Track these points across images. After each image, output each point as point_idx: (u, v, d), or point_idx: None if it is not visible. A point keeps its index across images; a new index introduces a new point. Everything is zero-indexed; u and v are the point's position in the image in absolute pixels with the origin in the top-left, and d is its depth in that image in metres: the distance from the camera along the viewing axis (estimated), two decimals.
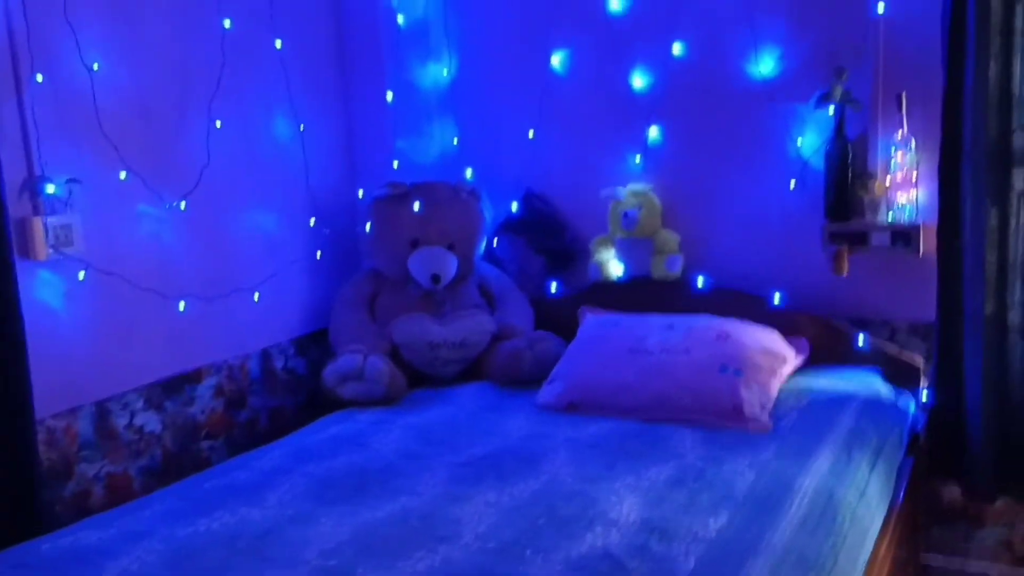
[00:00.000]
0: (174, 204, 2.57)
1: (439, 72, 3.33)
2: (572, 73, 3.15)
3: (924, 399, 2.70)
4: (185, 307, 2.61)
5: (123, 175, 2.41)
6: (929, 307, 2.67)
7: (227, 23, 2.68)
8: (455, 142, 3.35)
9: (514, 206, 3.24)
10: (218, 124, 2.68)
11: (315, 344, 3.12)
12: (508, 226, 3.28)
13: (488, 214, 3.17)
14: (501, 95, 3.26)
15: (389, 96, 3.23)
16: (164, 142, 2.55)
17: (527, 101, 3.20)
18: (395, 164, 3.22)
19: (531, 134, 3.20)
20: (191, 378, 2.68)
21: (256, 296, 2.86)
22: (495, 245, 3.28)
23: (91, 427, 2.39)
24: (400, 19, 3.24)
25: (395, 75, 3.24)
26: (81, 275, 2.34)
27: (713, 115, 2.97)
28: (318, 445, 2.44)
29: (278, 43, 2.88)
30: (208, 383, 2.73)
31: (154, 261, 2.53)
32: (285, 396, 3.03)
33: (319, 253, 3.10)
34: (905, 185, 2.70)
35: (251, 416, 2.89)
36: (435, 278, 3.00)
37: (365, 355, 2.80)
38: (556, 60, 3.15)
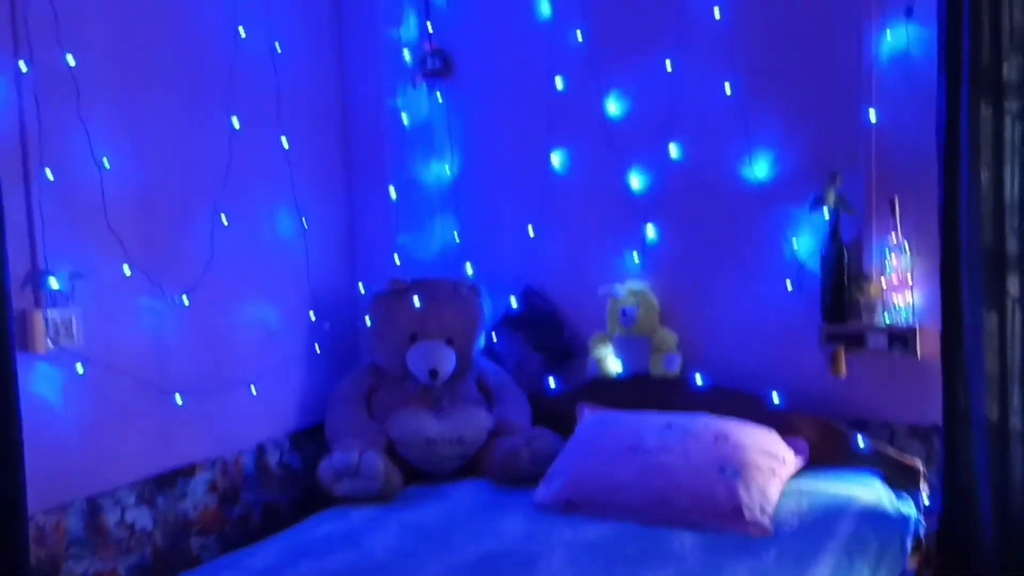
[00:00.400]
0: (176, 298, 2.59)
1: (442, 170, 3.40)
2: (571, 172, 3.22)
3: (926, 503, 2.67)
4: (182, 401, 2.60)
5: (127, 269, 2.44)
6: (928, 409, 2.66)
7: (235, 122, 2.75)
8: (456, 238, 3.39)
9: (513, 302, 3.27)
10: (224, 220, 2.72)
11: (311, 439, 3.10)
12: (507, 322, 3.29)
13: (488, 310, 3.19)
14: (502, 192, 3.32)
15: (392, 192, 3.29)
16: (169, 237, 2.59)
17: (527, 199, 3.26)
18: (396, 259, 3.26)
19: (531, 231, 3.25)
20: (185, 473, 2.65)
21: (253, 389, 2.85)
22: (494, 340, 3.29)
23: (81, 523, 2.36)
24: (405, 119, 3.33)
25: (398, 172, 3.31)
26: (79, 368, 2.34)
27: (709, 215, 3.02)
28: (311, 543, 2.40)
29: (284, 142, 2.95)
30: (202, 478, 2.71)
31: (153, 355, 2.54)
32: (279, 492, 2.99)
33: (318, 347, 3.10)
34: (901, 287, 2.72)
35: (244, 512, 2.85)
36: (433, 373, 2.99)
37: (361, 451, 2.78)
38: (556, 160, 3.21)
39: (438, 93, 3.37)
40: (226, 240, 2.73)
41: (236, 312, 2.81)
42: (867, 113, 2.74)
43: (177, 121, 2.61)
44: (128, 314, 2.48)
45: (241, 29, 2.78)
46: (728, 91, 2.93)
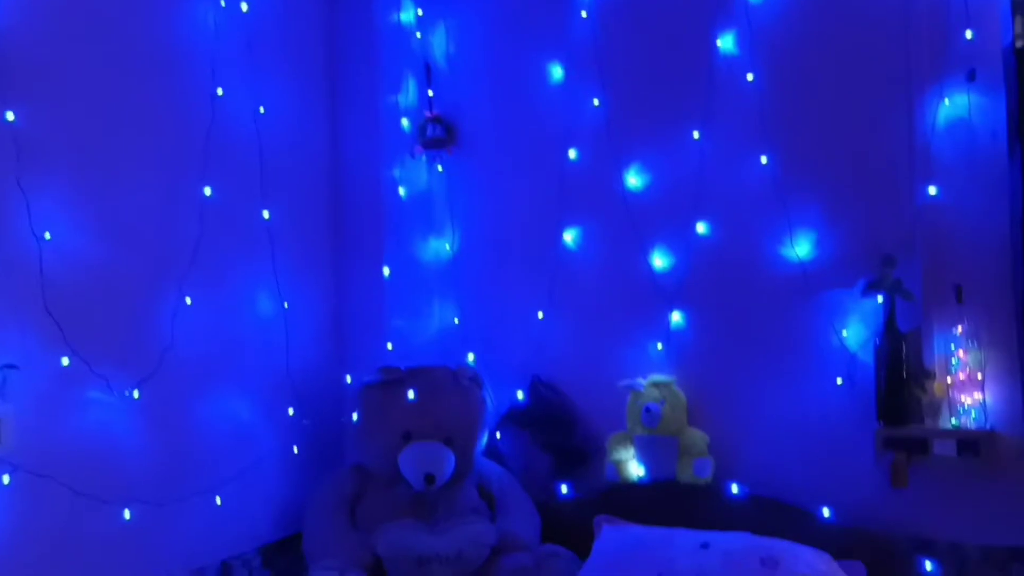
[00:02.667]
0: (126, 393, 2.22)
1: (441, 247, 3.09)
2: (586, 251, 2.91)
3: None
4: (131, 515, 2.20)
5: (65, 361, 2.07)
6: (1005, 528, 2.32)
7: (207, 191, 2.43)
8: (456, 322, 3.06)
9: (520, 395, 2.92)
10: (188, 301, 2.37)
11: (285, 553, 2.69)
12: (513, 418, 2.94)
13: (491, 404, 2.84)
14: (508, 273, 3.02)
15: (386, 272, 2.97)
16: (121, 322, 2.24)
17: (536, 280, 2.95)
18: (389, 346, 2.92)
19: (540, 316, 2.93)
20: None
21: (218, 499, 2.45)
22: (498, 439, 2.92)
23: None
24: (402, 191, 3.04)
25: (393, 249, 3.02)
26: (6, 479, 1.95)
27: (743, 300, 2.70)
28: None
29: (265, 214, 2.62)
30: None
31: (97, 460, 2.16)
32: None
33: (296, 448, 2.71)
34: (969, 386, 2.38)
35: None
36: (429, 478, 2.62)
37: (342, 572, 2.41)
38: (569, 237, 2.91)
39: (439, 164, 3.09)
40: (190, 324, 2.38)
41: (199, 408, 2.44)
42: (924, 189, 2.44)
43: (138, 189, 2.28)
44: (68, 412, 2.11)
45: (219, 90, 2.47)
46: (763, 162, 2.63)
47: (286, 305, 2.69)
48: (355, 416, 2.74)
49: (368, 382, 2.74)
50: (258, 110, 2.61)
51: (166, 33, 2.38)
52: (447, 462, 2.65)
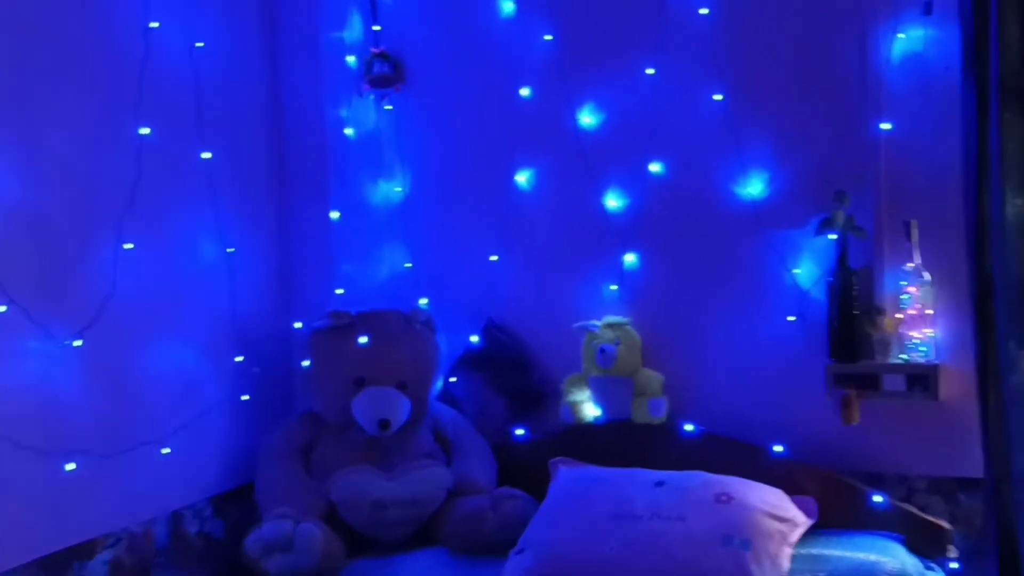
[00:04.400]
0: (67, 342, 2.13)
1: (391, 190, 3.01)
2: (539, 192, 2.85)
3: (957, 570, 2.32)
4: (75, 467, 2.13)
5: (2, 308, 1.97)
6: (952, 460, 2.39)
7: (145, 130, 2.31)
8: (408, 266, 2.99)
9: (474, 339, 2.88)
10: (128, 246, 2.27)
11: (237, 503, 2.65)
12: (467, 361, 2.90)
13: (444, 348, 2.80)
14: (460, 215, 2.95)
15: (334, 215, 2.89)
16: (59, 268, 2.13)
17: (489, 222, 2.89)
18: (339, 291, 2.85)
19: (493, 259, 2.87)
20: (81, 552, 2.18)
21: (166, 450, 2.39)
22: (452, 383, 2.89)
23: None
24: (349, 132, 2.94)
25: (341, 193, 2.92)
26: None
27: (697, 240, 2.68)
28: None
29: (206, 155, 2.51)
30: (102, 557, 2.24)
31: (37, 411, 2.07)
32: (200, 568, 2.53)
33: (245, 396, 2.65)
34: (919, 322, 2.41)
35: None
36: (384, 424, 2.58)
37: (296, 520, 2.38)
38: (522, 178, 2.85)
39: (386, 103, 2.98)
40: (131, 270, 2.28)
41: (143, 356, 2.35)
42: (877, 124, 2.43)
43: (71, 130, 2.16)
44: (6, 361, 2.01)
45: (154, 23, 2.34)
46: (717, 99, 2.59)
47: (230, 251, 2.60)
48: (306, 362, 2.68)
49: (318, 327, 2.67)
50: (194, 45, 2.48)
51: None
52: (401, 407, 2.62)
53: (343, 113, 2.92)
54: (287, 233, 2.89)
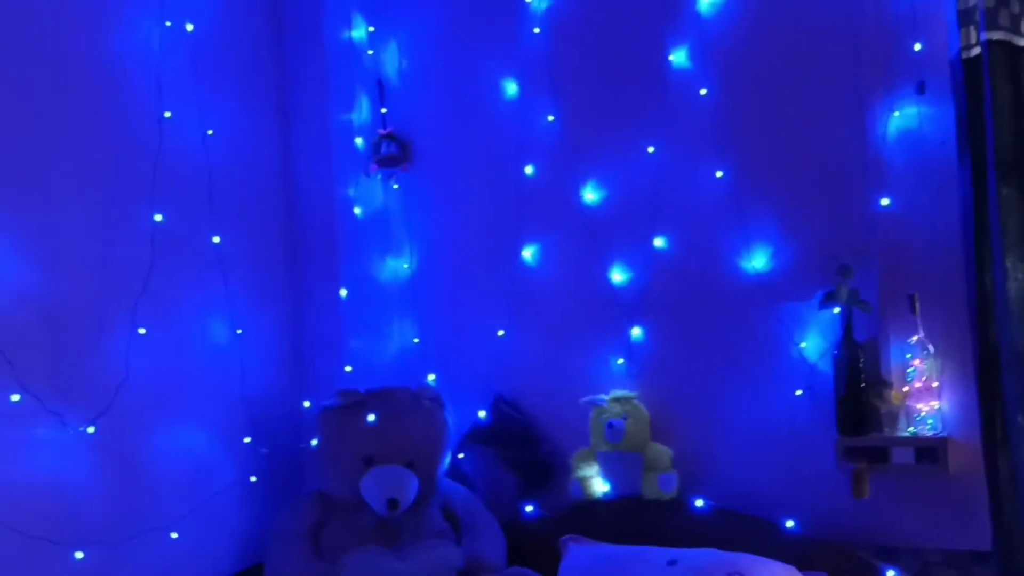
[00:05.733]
0: (80, 429, 2.15)
1: (399, 266, 3.05)
2: (545, 267, 2.89)
3: None
4: (83, 556, 2.13)
5: (15, 397, 1.99)
6: (966, 533, 2.33)
7: (158, 217, 2.36)
8: (416, 342, 3.01)
9: (482, 414, 2.88)
10: (142, 331, 2.30)
11: None
12: (475, 437, 2.90)
13: (453, 424, 2.80)
14: (467, 291, 2.98)
15: (343, 293, 2.91)
16: (73, 355, 2.17)
17: (496, 297, 2.91)
18: (348, 369, 2.86)
19: (500, 333, 2.89)
20: None
21: (174, 535, 2.38)
22: (460, 459, 2.88)
23: None
24: (358, 211, 2.99)
25: (350, 270, 2.97)
26: None
27: (703, 313, 2.68)
28: None
29: (216, 239, 2.56)
30: None
31: (48, 500, 2.08)
32: None
33: (254, 478, 2.65)
34: (926, 395, 2.39)
35: None
36: (392, 503, 2.57)
37: None
38: (527, 253, 2.89)
39: (394, 182, 3.05)
40: (144, 355, 2.31)
41: (154, 441, 2.38)
42: (877, 199, 2.45)
43: (85, 218, 2.22)
44: (17, 450, 2.03)
45: (167, 112, 2.41)
46: (719, 175, 2.63)
47: (239, 331, 2.62)
48: (315, 442, 2.67)
49: (327, 406, 2.68)
50: (206, 132, 2.54)
51: (109, 55, 2.32)
52: (410, 486, 2.61)
53: (351, 192, 2.98)
54: (298, 312, 2.93)
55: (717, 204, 2.65)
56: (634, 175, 2.75)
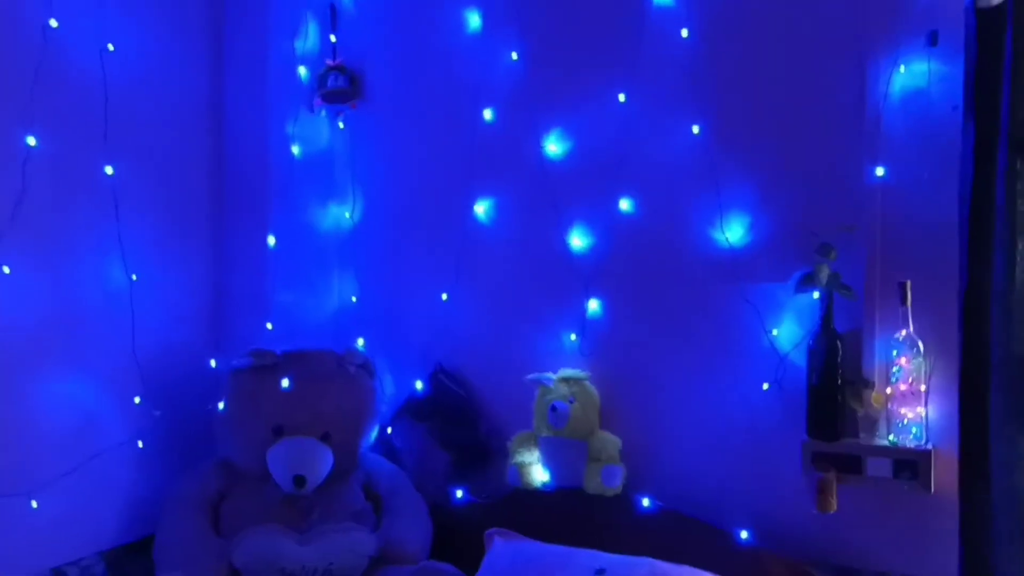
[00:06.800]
0: None
1: (341, 215, 2.75)
2: (498, 225, 2.60)
3: None
4: None
5: None
6: (943, 560, 2.03)
7: (32, 140, 2.06)
8: (353, 300, 2.73)
9: (419, 385, 2.62)
10: (6, 270, 2.01)
11: (134, 559, 2.36)
12: (410, 410, 2.64)
13: (384, 393, 2.56)
14: (413, 246, 2.71)
15: (271, 241, 2.62)
16: None
17: (443, 256, 2.64)
18: (269, 326, 2.58)
19: (444, 297, 2.61)
20: None
21: (48, 498, 2.12)
22: (390, 433, 2.61)
23: None
24: (296, 149, 2.68)
25: (283, 217, 2.67)
26: None
27: (668, 288, 2.38)
28: None
29: (109, 169, 2.26)
30: None
31: None
32: None
33: (141, 443, 2.37)
34: (911, 399, 2.08)
35: None
36: (298, 480, 2.30)
37: None
38: (480, 209, 2.59)
39: (340, 120, 2.76)
40: (11, 297, 2.03)
41: (27, 393, 2.10)
42: (871, 169, 2.11)
43: None
44: None
45: (53, 20, 2.09)
46: (695, 131, 2.31)
47: (134, 277, 2.33)
48: (222, 405, 2.40)
49: (237, 366, 2.41)
50: (106, 47, 2.22)
51: None
52: (322, 461, 2.34)
53: (290, 129, 2.67)
54: (219, 260, 2.64)
55: (691, 163, 2.33)
56: (602, 126, 2.45)
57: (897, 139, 2.10)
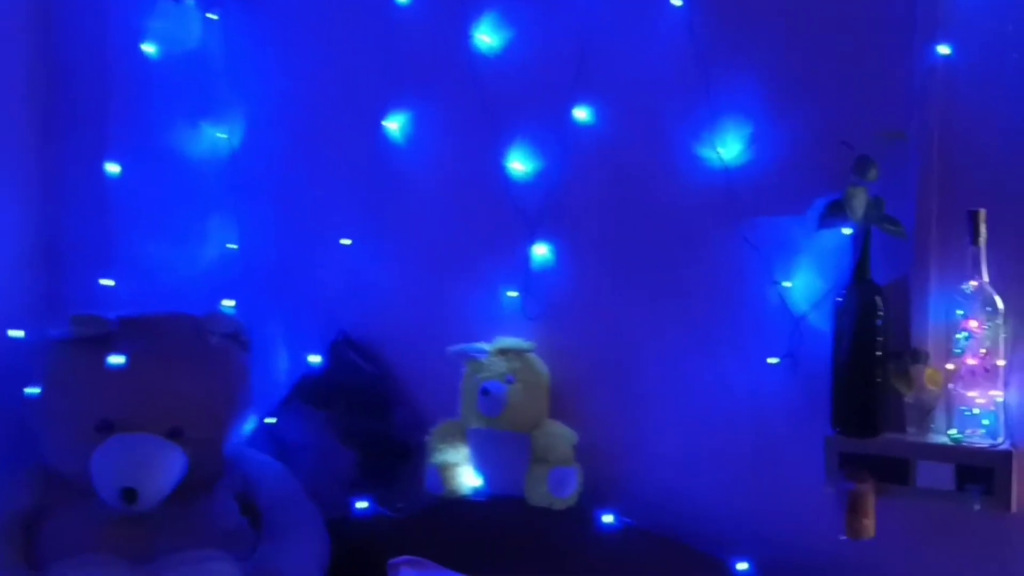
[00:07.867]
0: None
1: (215, 137, 2.26)
2: (417, 146, 2.10)
3: None
4: None
5: None
6: None
7: None
8: (233, 248, 2.24)
9: (316, 360, 2.14)
10: None
11: None
12: (303, 393, 2.15)
13: (261, 372, 2.05)
14: (307, 177, 2.21)
15: (114, 170, 2.13)
16: None
17: (346, 190, 2.16)
18: (107, 282, 2.11)
19: (346, 242, 2.14)
20: None
21: None
22: (274, 424, 2.12)
23: None
24: (151, 49, 2.21)
25: (133, 138, 2.20)
26: None
27: (641, 229, 1.90)
28: None
29: None
30: None
31: None
32: None
33: None
34: (983, 379, 1.58)
35: None
36: (128, 494, 1.76)
37: None
38: (394, 125, 2.10)
39: (214, 11, 2.23)
40: None
41: None
42: (931, 49, 1.59)
43: None
44: None
45: None
46: (676, 4, 1.81)
47: None
48: (36, 390, 1.86)
49: (54, 337, 1.88)
50: None
51: None
52: (164, 466, 1.80)
53: (144, 21, 2.19)
54: (46, 195, 2.17)
55: (671, 52, 1.84)
56: (552, 7, 1.95)
57: (967, 10, 1.58)
